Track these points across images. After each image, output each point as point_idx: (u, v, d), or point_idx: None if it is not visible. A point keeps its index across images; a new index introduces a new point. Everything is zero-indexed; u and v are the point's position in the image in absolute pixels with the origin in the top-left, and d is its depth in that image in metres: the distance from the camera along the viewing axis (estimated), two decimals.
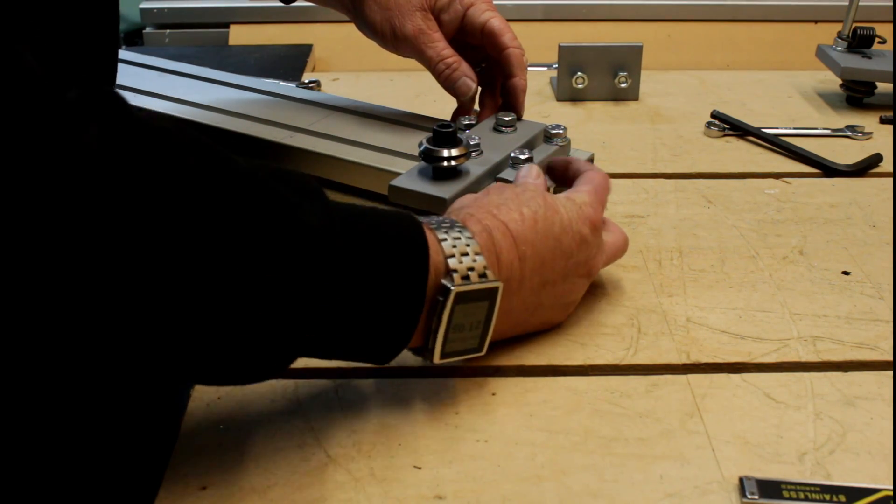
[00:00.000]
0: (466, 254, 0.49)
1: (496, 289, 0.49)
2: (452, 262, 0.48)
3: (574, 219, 0.56)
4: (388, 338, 0.48)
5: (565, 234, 0.55)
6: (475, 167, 0.66)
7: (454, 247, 0.48)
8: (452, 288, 0.47)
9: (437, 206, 0.63)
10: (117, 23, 0.60)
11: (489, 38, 0.74)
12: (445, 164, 0.64)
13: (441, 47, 0.74)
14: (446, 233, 0.49)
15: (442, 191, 0.63)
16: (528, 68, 0.78)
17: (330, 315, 0.44)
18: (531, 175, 0.61)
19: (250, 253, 0.40)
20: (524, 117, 0.77)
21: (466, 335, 0.50)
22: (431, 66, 0.75)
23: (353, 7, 0.77)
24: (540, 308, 0.56)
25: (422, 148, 0.65)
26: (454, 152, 0.64)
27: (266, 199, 0.41)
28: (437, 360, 0.49)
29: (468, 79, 0.75)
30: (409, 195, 0.64)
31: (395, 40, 0.75)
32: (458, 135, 0.65)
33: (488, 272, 0.49)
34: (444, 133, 0.64)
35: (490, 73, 0.79)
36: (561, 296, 0.57)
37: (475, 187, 0.65)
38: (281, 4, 0.89)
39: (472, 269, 0.48)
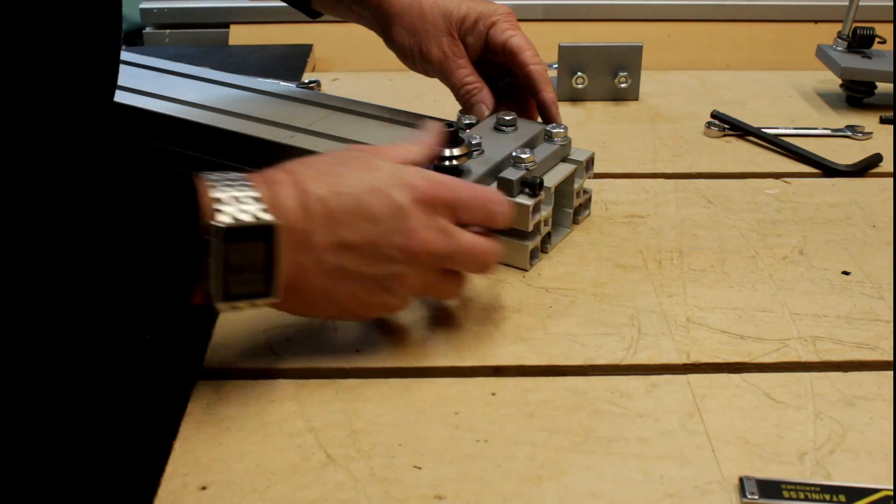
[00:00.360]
0: (238, 199, 0.49)
1: (271, 227, 0.49)
2: (222, 206, 0.48)
3: (391, 183, 0.53)
4: (169, 285, 0.48)
5: (372, 195, 0.53)
6: (476, 166, 0.66)
7: (226, 193, 0.49)
8: (219, 224, 0.47)
9: None
10: (119, 24, 0.60)
11: (510, 57, 0.76)
12: (447, 163, 0.64)
13: (464, 74, 0.77)
14: (220, 182, 0.50)
15: None
16: None
17: (112, 276, 0.46)
18: (420, 139, 0.61)
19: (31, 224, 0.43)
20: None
21: (250, 278, 0.49)
22: (454, 90, 0.78)
23: (382, 29, 0.80)
24: (344, 277, 0.53)
25: None
26: (456, 152, 0.64)
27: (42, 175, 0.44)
28: (218, 302, 0.49)
29: (484, 105, 0.77)
30: None
31: (422, 63, 0.78)
32: (460, 134, 0.65)
33: (263, 214, 0.49)
34: (445, 133, 0.64)
35: (513, 87, 0.80)
36: (368, 267, 0.53)
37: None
38: (281, 4, 0.89)
39: (244, 211, 0.48)
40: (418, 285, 0.55)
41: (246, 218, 0.48)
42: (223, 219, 0.47)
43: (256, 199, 0.49)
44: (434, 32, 0.76)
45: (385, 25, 0.78)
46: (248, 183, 0.50)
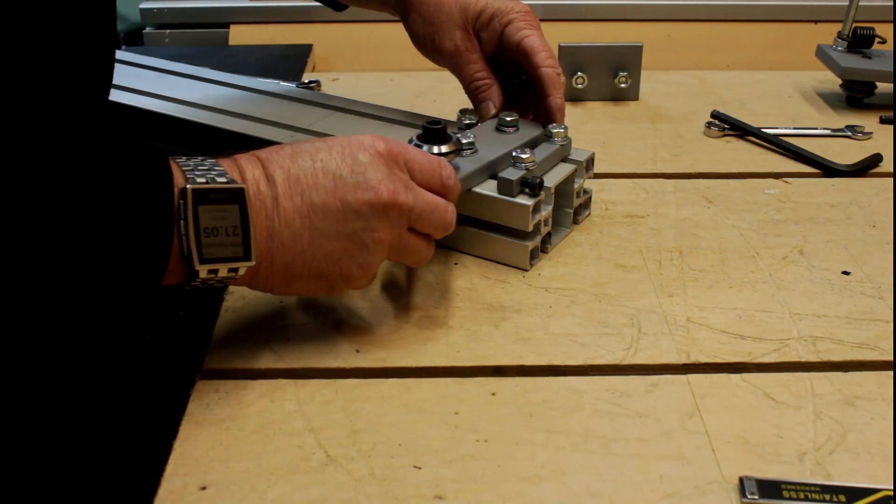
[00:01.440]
0: (208, 170, 0.51)
1: (241, 190, 0.50)
2: (192, 174, 0.50)
3: (347, 143, 0.55)
4: (144, 249, 0.48)
5: (331, 155, 0.55)
6: (466, 164, 0.66)
7: (195, 166, 0.51)
8: (188, 186, 0.49)
9: None
10: (114, 20, 0.59)
11: (523, 57, 0.75)
12: None
13: (475, 69, 0.76)
14: (189, 159, 0.52)
15: None
16: None
17: (86, 245, 0.46)
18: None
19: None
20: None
21: (226, 241, 0.50)
22: (464, 84, 0.78)
23: (402, 15, 0.80)
24: (318, 238, 0.54)
25: (411, 144, 0.65)
26: (443, 149, 0.64)
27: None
28: (197, 265, 0.49)
29: (491, 102, 0.77)
30: None
31: (435, 53, 0.78)
32: (448, 132, 0.65)
33: (228, 179, 0.51)
34: (432, 130, 0.65)
35: (530, 85, 0.80)
36: (341, 225, 0.54)
37: (465, 183, 0.65)
38: (281, 4, 0.89)
39: (213, 179, 0.50)
40: (390, 240, 0.56)
41: (215, 183, 0.50)
42: (194, 183, 0.49)
43: (224, 172, 0.51)
44: (449, 24, 0.76)
45: (404, 12, 0.79)
46: (212, 161, 0.52)
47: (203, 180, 0.49)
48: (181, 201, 0.48)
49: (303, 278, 0.54)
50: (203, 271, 0.49)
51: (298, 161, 0.54)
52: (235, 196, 0.50)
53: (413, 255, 0.59)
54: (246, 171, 0.53)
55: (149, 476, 0.49)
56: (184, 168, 0.50)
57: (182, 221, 0.48)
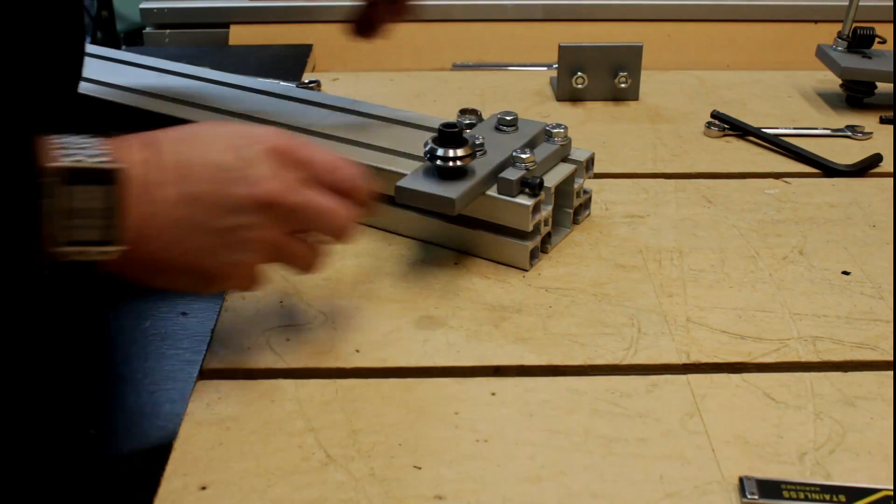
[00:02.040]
0: (82, 148, 0.48)
1: (112, 171, 0.47)
2: (62, 151, 0.47)
3: (242, 135, 0.53)
4: (7, 225, 0.46)
5: (221, 143, 0.52)
6: (480, 167, 0.66)
7: (70, 143, 0.48)
8: (54, 164, 0.46)
9: (446, 206, 0.63)
10: (82, 15, 0.59)
11: None
12: (451, 164, 0.64)
13: None
14: (70, 139, 0.49)
15: (449, 191, 0.63)
16: (528, 68, 0.77)
17: None
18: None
19: None
20: (524, 117, 0.77)
21: (92, 223, 0.48)
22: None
23: None
24: (192, 231, 0.51)
25: (427, 148, 0.65)
26: (460, 152, 0.64)
27: None
28: (55, 247, 0.47)
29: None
30: (417, 196, 0.64)
31: None
32: (464, 134, 0.65)
33: (106, 161, 0.48)
34: (449, 133, 0.64)
35: None
36: (216, 219, 0.51)
37: (480, 187, 0.65)
38: (281, 4, 0.89)
39: (85, 158, 0.47)
40: (268, 243, 0.53)
41: (85, 162, 0.47)
42: (61, 162, 0.46)
43: (101, 150, 0.48)
44: None
45: None
46: (95, 138, 0.49)
47: (75, 159, 0.47)
48: (47, 180, 0.46)
49: (176, 270, 0.52)
50: (68, 253, 0.47)
51: (188, 147, 0.51)
52: (107, 177, 0.47)
53: (294, 260, 0.56)
54: (131, 152, 0.50)
55: (149, 476, 0.49)
56: (60, 146, 0.47)
57: (47, 200, 0.46)
